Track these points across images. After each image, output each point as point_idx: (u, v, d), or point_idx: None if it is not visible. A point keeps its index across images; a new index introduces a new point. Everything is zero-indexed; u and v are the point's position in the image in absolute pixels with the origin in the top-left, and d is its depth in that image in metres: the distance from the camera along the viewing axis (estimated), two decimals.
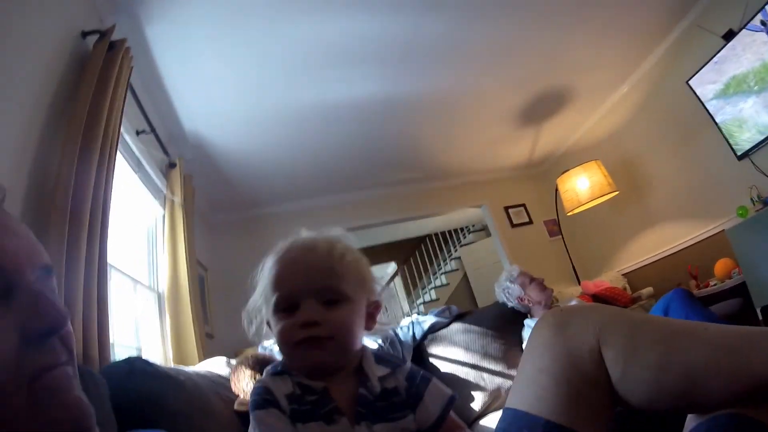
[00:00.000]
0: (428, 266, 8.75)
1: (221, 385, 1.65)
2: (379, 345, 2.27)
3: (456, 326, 2.57)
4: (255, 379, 1.61)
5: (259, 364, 1.67)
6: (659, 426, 0.96)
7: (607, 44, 3.30)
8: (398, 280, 8.58)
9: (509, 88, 3.54)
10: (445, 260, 8.79)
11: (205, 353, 2.49)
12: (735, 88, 2.95)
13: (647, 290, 3.82)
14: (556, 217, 4.65)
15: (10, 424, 0.46)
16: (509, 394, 0.96)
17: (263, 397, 0.71)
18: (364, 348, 0.81)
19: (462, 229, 8.83)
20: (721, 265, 3.08)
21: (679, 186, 3.70)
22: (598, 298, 3.60)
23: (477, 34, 2.84)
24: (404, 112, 3.51)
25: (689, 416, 0.83)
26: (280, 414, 0.69)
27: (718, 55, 2.99)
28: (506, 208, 5.13)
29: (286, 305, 0.74)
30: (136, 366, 1.24)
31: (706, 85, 3.14)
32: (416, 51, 2.84)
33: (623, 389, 0.82)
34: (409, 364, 0.82)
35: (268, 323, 0.82)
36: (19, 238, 0.54)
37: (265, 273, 0.80)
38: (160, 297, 2.58)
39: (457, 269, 8.42)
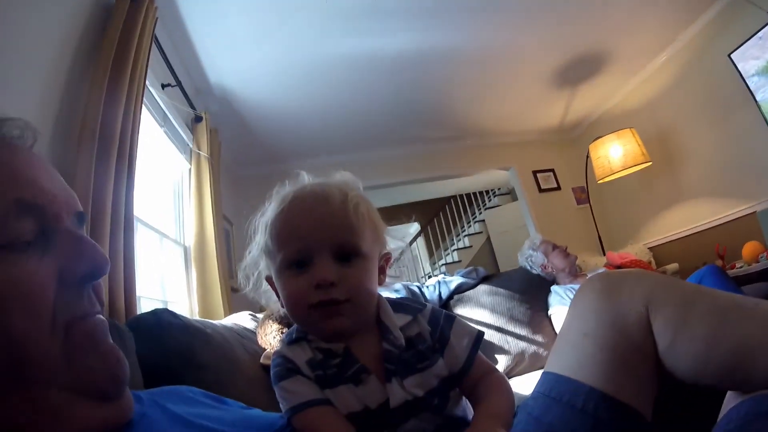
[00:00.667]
0: (451, 228, 8.72)
1: (248, 338, 1.67)
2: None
3: (482, 288, 2.57)
4: (282, 333, 1.62)
5: (286, 317, 1.67)
6: (698, 400, 0.94)
7: (650, 8, 3.13)
8: (421, 240, 8.60)
9: (546, 47, 3.40)
10: (469, 222, 8.75)
11: (231, 307, 2.53)
12: None
13: (672, 266, 3.75)
14: (585, 185, 4.55)
15: (46, 368, 0.46)
16: (550, 357, 0.94)
17: (285, 367, 0.67)
18: (380, 299, 0.74)
19: (487, 192, 8.74)
20: (749, 248, 2.99)
21: (713, 162, 3.58)
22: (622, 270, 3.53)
23: None
24: (436, 67, 3.40)
25: (729, 393, 0.80)
26: (305, 380, 0.66)
27: (763, 30, 2.83)
28: (534, 173, 5.03)
29: (295, 262, 0.67)
30: (163, 318, 1.23)
31: (749, 60, 2.98)
32: (452, 3, 2.72)
33: (670, 360, 0.80)
34: (429, 306, 0.76)
35: (268, 280, 0.76)
36: (59, 183, 0.54)
37: (268, 224, 0.72)
38: (186, 251, 2.61)
39: (481, 232, 8.39)
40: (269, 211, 0.72)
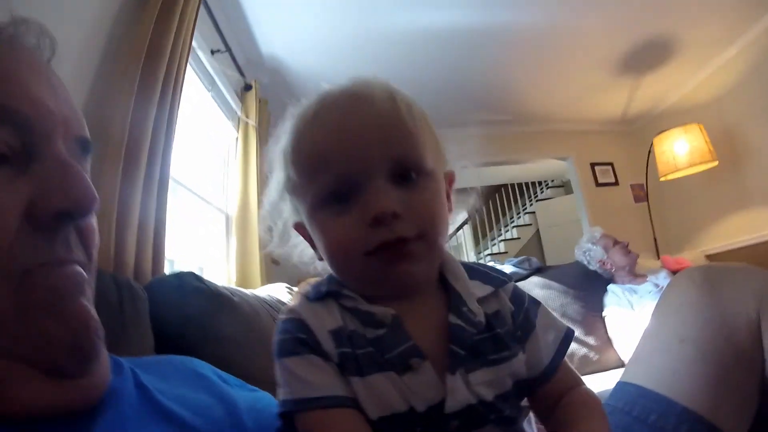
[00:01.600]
0: (500, 217, 8.51)
1: (280, 311, 1.62)
2: None
3: (535, 279, 2.46)
4: None
5: None
6: None
7: None
8: (467, 228, 8.44)
9: (612, 30, 3.18)
10: (518, 213, 8.53)
11: (269, 278, 2.52)
12: None
13: None
14: (644, 182, 4.30)
15: None
16: (630, 364, 0.79)
17: (295, 337, 0.47)
18: (446, 254, 0.54)
19: (540, 183, 8.47)
20: None
21: None
22: None
23: None
24: (494, 46, 3.24)
25: None
26: (322, 363, 0.46)
27: None
28: (592, 165, 4.79)
29: (335, 195, 0.47)
30: (186, 281, 1.15)
31: None
32: None
33: None
34: (512, 281, 0.56)
35: (298, 228, 0.56)
36: (61, 100, 0.43)
37: (286, 152, 0.52)
38: (228, 218, 2.62)
39: (530, 224, 8.16)
40: (284, 136, 0.54)
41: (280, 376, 0.48)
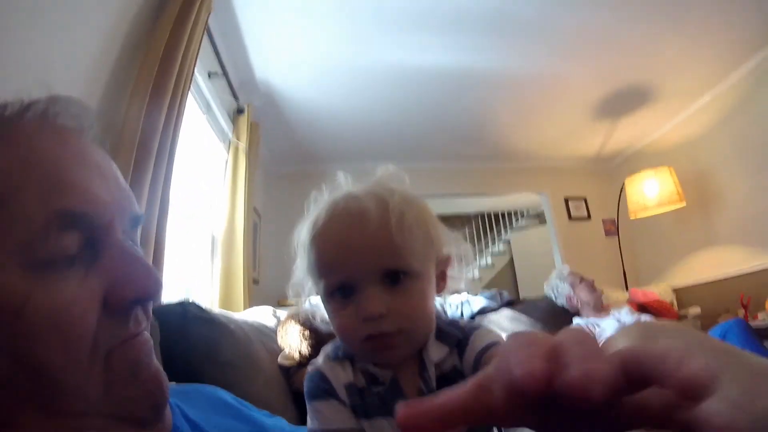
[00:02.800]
0: (475, 244, 8.63)
1: (267, 335, 1.66)
2: None
3: (505, 312, 2.55)
4: (304, 335, 1.60)
5: (308, 321, 1.67)
6: None
7: (700, 48, 3.09)
8: None
9: (593, 78, 3.36)
10: (493, 241, 8.66)
11: (251, 298, 2.55)
12: None
13: (694, 310, 3.66)
14: (615, 217, 4.47)
15: (82, 399, 0.41)
16: None
17: (320, 386, 0.60)
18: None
19: (515, 213, 8.64)
20: None
21: (748, 210, 3.48)
22: (645, 308, 3.47)
23: (570, 17, 2.67)
24: (480, 87, 3.39)
25: None
26: (339, 406, 0.59)
27: None
28: (566, 199, 4.96)
29: (339, 291, 0.59)
30: (189, 311, 1.21)
31: None
32: (505, 24, 2.71)
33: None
34: (473, 333, 0.63)
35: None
36: (113, 184, 0.46)
37: (305, 247, 0.63)
38: (213, 239, 2.65)
39: (505, 252, 8.28)
40: (304, 231, 0.64)
41: (310, 413, 0.60)
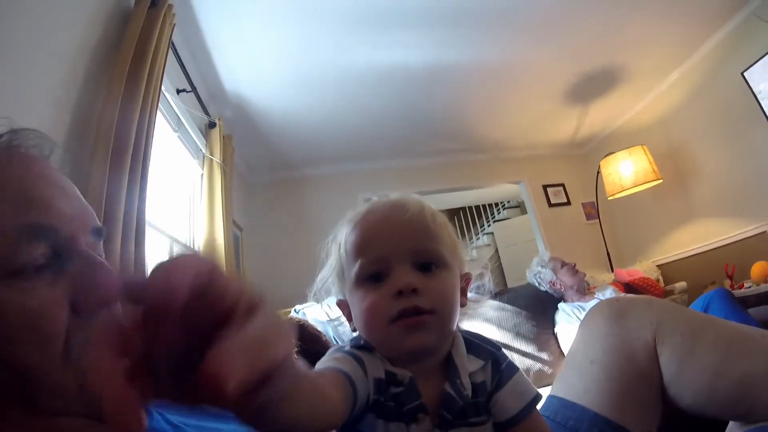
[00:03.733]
0: (459, 238, 8.66)
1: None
2: None
3: (491, 302, 2.56)
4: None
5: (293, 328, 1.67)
6: (701, 427, 0.94)
7: (664, 27, 3.13)
8: None
9: (560, 63, 3.40)
10: (477, 234, 8.72)
11: None
12: None
13: (680, 284, 3.72)
14: (594, 200, 4.53)
15: (59, 398, 0.44)
16: (556, 381, 0.94)
17: (355, 356, 0.59)
18: (456, 332, 0.67)
19: (497, 205, 8.72)
20: (758, 268, 2.95)
21: (724, 181, 3.54)
22: (631, 287, 3.52)
23: (534, 4, 2.71)
24: (450, 80, 3.41)
25: (732, 423, 0.81)
26: (359, 368, 0.58)
27: None
28: (545, 187, 5.02)
29: (373, 274, 0.61)
30: None
31: (764, 79, 2.95)
32: (469, 17, 2.73)
33: (674, 390, 0.81)
34: (501, 351, 0.68)
35: (340, 305, 0.71)
36: (74, 200, 0.51)
37: (341, 241, 0.67)
38: None
39: (489, 244, 8.34)
40: (342, 229, 0.69)
41: (329, 355, 0.61)
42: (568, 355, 0.94)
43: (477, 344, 0.67)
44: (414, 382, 0.59)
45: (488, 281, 0.77)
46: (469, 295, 0.71)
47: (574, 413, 0.83)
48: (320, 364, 0.59)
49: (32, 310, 0.43)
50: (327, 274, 0.70)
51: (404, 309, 0.57)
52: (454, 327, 0.64)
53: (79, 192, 0.54)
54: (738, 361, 0.76)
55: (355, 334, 0.67)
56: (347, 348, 0.62)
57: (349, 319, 0.68)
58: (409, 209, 0.63)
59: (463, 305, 0.67)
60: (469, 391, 0.61)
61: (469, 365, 0.63)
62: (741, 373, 0.74)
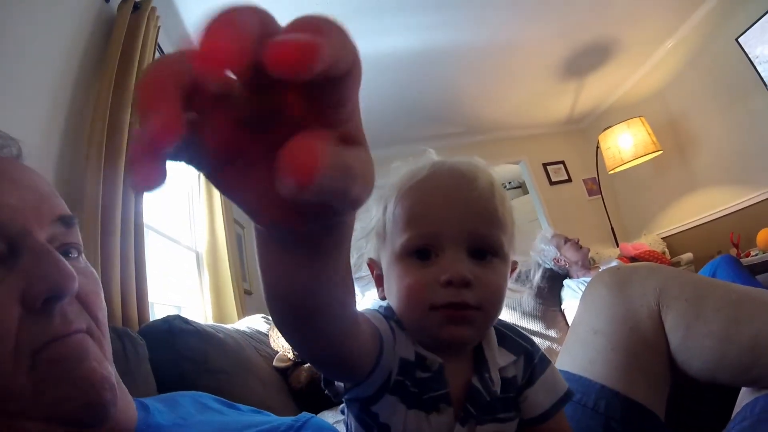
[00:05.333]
0: None
1: (261, 341, 1.67)
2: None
3: None
4: None
5: None
6: (712, 396, 0.93)
7: None
8: None
9: (552, 39, 3.37)
10: None
11: (245, 310, 2.55)
12: None
13: (687, 256, 3.71)
14: (596, 176, 4.50)
15: (14, 400, 0.42)
16: (560, 354, 0.92)
17: (390, 327, 0.54)
18: None
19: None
20: (764, 235, 2.93)
21: (725, 149, 3.51)
22: (636, 261, 3.51)
23: None
24: (441, 63, 3.39)
25: (744, 389, 0.78)
26: (392, 352, 0.53)
27: None
28: (545, 165, 4.99)
29: (419, 250, 0.55)
30: (175, 325, 1.23)
31: (760, 43, 2.91)
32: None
33: (682, 357, 0.78)
34: (536, 346, 0.64)
35: (370, 265, 0.64)
36: (25, 192, 0.48)
37: (389, 201, 0.58)
38: (198, 256, 2.63)
39: None
40: (394, 186, 0.59)
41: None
42: (571, 326, 0.93)
43: (510, 337, 0.62)
44: (443, 369, 0.55)
45: (534, 271, 0.72)
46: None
47: (581, 386, 0.81)
48: None
49: None
50: (359, 231, 0.63)
51: (451, 302, 0.52)
52: (493, 324, 0.60)
53: (41, 181, 0.51)
54: (746, 323, 0.73)
55: (383, 302, 0.61)
56: (388, 320, 0.56)
57: (378, 282, 0.63)
58: (478, 185, 0.55)
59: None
60: (498, 387, 0.57)
61: (500, 359, 0.59)
62: (750, 335, 0.72)
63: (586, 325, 0.88)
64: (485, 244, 0.55)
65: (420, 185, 0.56)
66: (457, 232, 0.53)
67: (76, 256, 0.52)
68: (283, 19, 0.23)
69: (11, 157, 0.51)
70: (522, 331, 0.65)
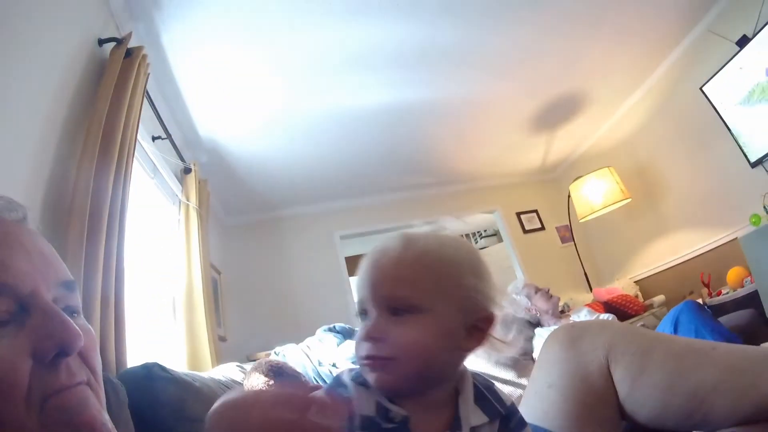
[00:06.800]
0: None
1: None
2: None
3: None
4: (269, 385, 1.61)
5: (272, 370, 1.67)
6: None
7: (621, 50, 3.28)
8: None
9: (523, 94, 3.53)
10: None
11: (218, 356, 2.52)
12: (760, 95, 2.87)
13: (659, 298, 3.80)
14: (568, 223, 4.63)
15: None
16: (520, 405, 0.97)
17: (343, 393, 0.62)
18: (466, 376, 0.66)
19: (474, 234, 8.79)
20: (733, 274, 3.04)
21: (692, 193, 3.66)
22: (610, 305, 3.59)
23: (492, 40, 2.84)
24: (418, 117, 3.52)
25: None
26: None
27: (740, 59, 2.93)
28: (518, 214, 5.11)
29: (360, 312, 0.65)
30: (153, 372, 1.25)
31: (725, 91, 3.08)
32: (432, 57, 2.85)
33: (630, 407, 0.84)
34: (511, 409, 0.67)
35: None
36: (34, 257, 0.53)
37: None
38: (174, 300, 2.61)
39: None
40: None
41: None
42: (530, 380, 0.98)
43: (488, 399, 0.65)
44: (407, 421, 0.59)
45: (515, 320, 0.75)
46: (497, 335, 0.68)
47: None
48: None
49: None
50: None
51: (365, 355, 0.60)
52: (434, 371, 0.62)
53: (46, 247, 0.57)
54: (688, 374, 0.79)
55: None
56: (342, 387, 0.63)
57: None
58: (388, 253, 0.63)
59: (473, 346, 0.65)
60: None
61: (473, 418, 0.62)
62: (692, 385, 0.78)
63: (541, 379, 0.94)
64: (397, 304, 0.61)
65: (362, 261, 0.66)
66: (373, 297, 0.62)
67: (77, 316, 0.56)
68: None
69: (18, 221, 0.56)
70: (503, 394, 0.68)
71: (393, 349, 0.59)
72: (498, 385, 2.19)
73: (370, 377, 0.60)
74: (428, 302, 0.61)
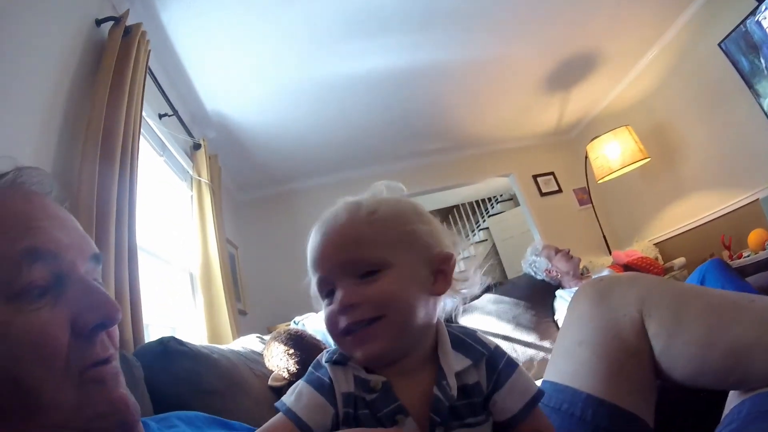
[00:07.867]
0: None
1: (255, 361, 1.67)
2: None
3: (487, 296, 2.57)
4: (288, 354, 1.63)
5: (291, 339, 1.69)
6: (700, 401, 0.94)
7: (634, 6, 3.14)
8: None
9: (536, 54, 3.43)
10: (473, 231, 8.73)
11: (239, 330, 2.55)
12: None
13: (679, 260, 3.73)
14: (586, 186, 4.55)
15: (60, 413, 0.48)
16: (547, 366, 0.94)
17: (321, 380, 0.60)
18: (439, 327, 0.64)
19: (490, 199, 8.73)
20: (754, 236, 2.96)
21: (712, 153, 3.55)
22: (629, 268, 3.53)
23: (500, 1, 2.74)
24: (428, 81, 3.44)
25: (732, 393, 0.79)
26: (324, 405, 0.58)
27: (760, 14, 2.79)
28: (535, 177, 5.03)
29: (324, 291, 0.62)
30: (169, 346, 1.24)
31: (740, 47, 2.95)
32: (438, 17, 2.75)
33: (666, 364, 0.80)
34: (493, 348, 0.64)
35: None
36: (71, 230, 0.55)
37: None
38: (192, 277, 2.63)
39: (486, 240, 8.34)
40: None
41: (293, 387, 0.61)
42: (557, 339, 0.94)
43: (467, 342, 0.63)
44: (389, 387, 0.58)
45: (476, 276, 0.73)
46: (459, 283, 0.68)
47: (567, 396, 0.83)
48: (286, 397, 0.60)
49: (36, 331, 0.47)
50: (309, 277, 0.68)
51: (347, 326, 0.58)
52: (420, 321, 0.61)
53: (77, 224, 0.58)
54: (726, 328, 0.74)
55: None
56: (320, 369, 0.62)
57: None
58: (338, 219, 0.63)
59: (440, 292, 0.64)
60: (454, 392, 0.58)
61: (455, 364, 0.60)
62: (730, 341, 0.73)
63: (570, 337, 0.90)
64: (364, 264, 0.59)
65: (311, 239, 0.64)
66: (336, 267, 0.60)
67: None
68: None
69: (46, 194, 0.57)
70: (484, 337, 0.66)
71: (376, 307, 0.58)
72: (518, 347, 2.19)
73: (357, 350, 0.59)
74: (391, 256, 0.60)
